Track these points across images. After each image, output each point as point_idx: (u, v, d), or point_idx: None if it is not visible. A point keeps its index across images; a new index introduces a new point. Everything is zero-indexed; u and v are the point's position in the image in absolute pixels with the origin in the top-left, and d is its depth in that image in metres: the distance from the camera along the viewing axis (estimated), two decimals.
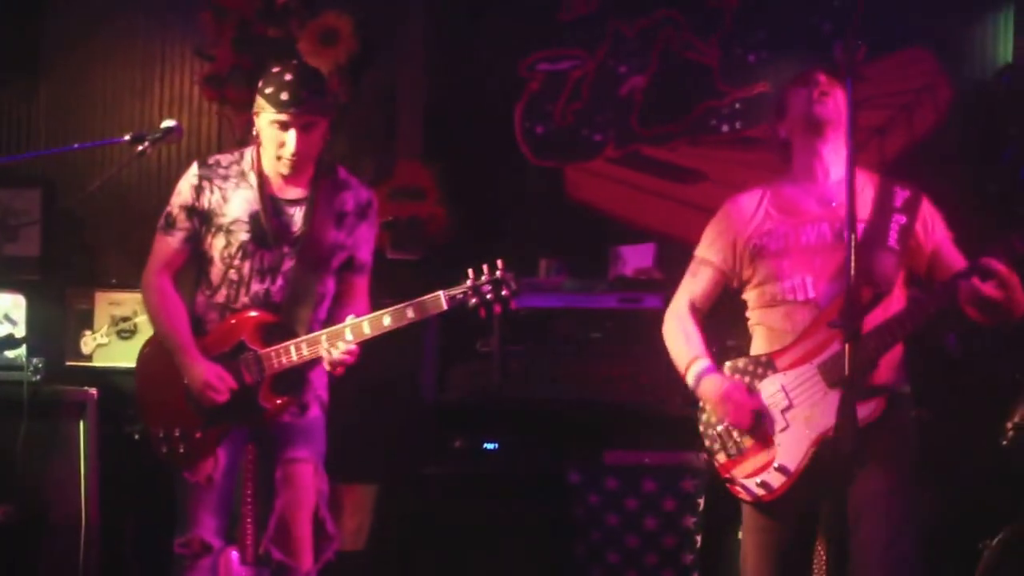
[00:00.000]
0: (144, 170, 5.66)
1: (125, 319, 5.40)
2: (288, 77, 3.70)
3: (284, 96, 3.67)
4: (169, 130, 3.81)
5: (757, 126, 5.39)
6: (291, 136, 3.69)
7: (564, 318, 4.95)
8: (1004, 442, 4.51)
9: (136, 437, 4.73)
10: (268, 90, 3.70)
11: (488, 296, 3.59)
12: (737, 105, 5.47)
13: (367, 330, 3.65)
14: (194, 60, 5.85)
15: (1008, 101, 5.05)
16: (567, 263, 5.22)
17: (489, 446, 4.89)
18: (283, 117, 3.68)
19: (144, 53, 5.89)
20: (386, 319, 3.64)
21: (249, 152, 3.86)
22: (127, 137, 3.85)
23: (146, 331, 5.34)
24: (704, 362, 3.49)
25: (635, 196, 5.55)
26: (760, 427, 3.35)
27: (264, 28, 5.76)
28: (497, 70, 5.69)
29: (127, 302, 5.39)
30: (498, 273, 3.60)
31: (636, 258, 5.14)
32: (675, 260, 4.98)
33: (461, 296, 3.59)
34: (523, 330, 4.95)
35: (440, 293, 3.59)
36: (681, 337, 3.56)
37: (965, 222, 3.49)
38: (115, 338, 5.39)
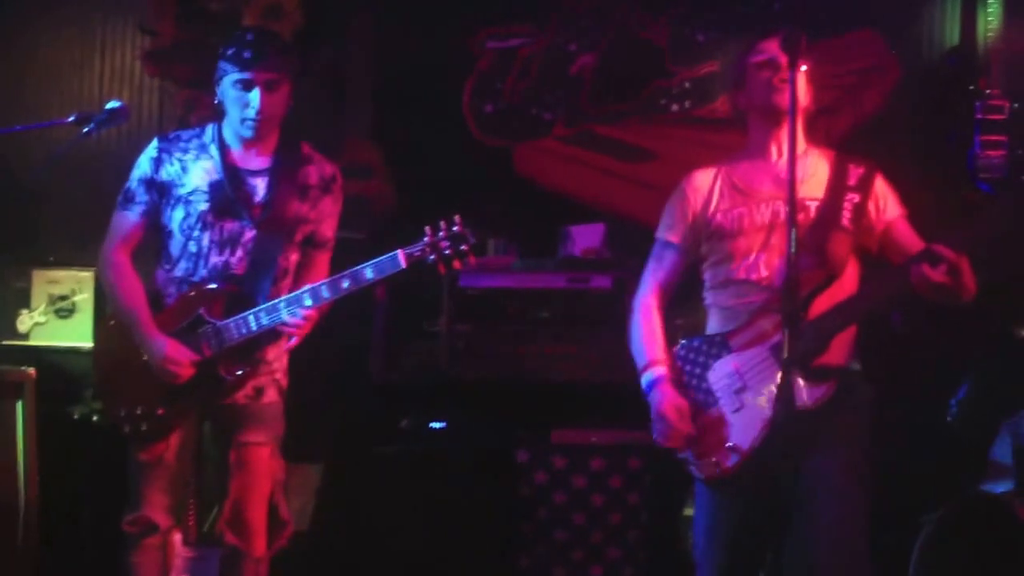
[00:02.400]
0: (82, 147, 5.56)
1: (63, 297, 5.32)
2: (249, 37, 3.70)
3: (247, 54, 3.64)
4: (115, 111, 3.77)
5: (707, 106, 5.41)
6: (255, 95, 3.66)
7: (513, 298, 4.95)
8: (948, 418, 4.57)
9: (76, 417, 4.69)
10: (230, 51, 3.67)
11: (447, 252, 3.57)
12: (687, 85, 5.46)
13: (325, 294, 3.62)
14: (135, 34, 5.75)
15: (954, 83, 5.08)
16: (516, 242, 5.21)
17: (436, 425, 4.87)
18: (246, 75, 3.64)
19: (84, 27, 5.77)
20: (344, 282, 3.61)
21: (210, 127, 3.82)
22: (72, 118, 3.79)
23: (85, 310, 5.31)
24: (659, 370, 3.45)
25: (585, 175, 5.53)
26: (714, 408, 3.35)
27: (208, 2, 5.67)
28: (446, 47, 5.64)
29: (65, 280, 5.32)
30: (456, 228, 3.58)
31: (585, 238, 5.13)
32: (624, 240, 5.04)
33: (419, 253, 3.57)
34: (471, 309, 4.94)
35: (398, 252, 3.57)
36: (642, 334, 3.53)
37: (911, 204, 3.49)
38: (53, 317, 5.31)
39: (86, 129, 3.74)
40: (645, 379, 3.46)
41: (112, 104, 3.77)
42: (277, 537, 3.87)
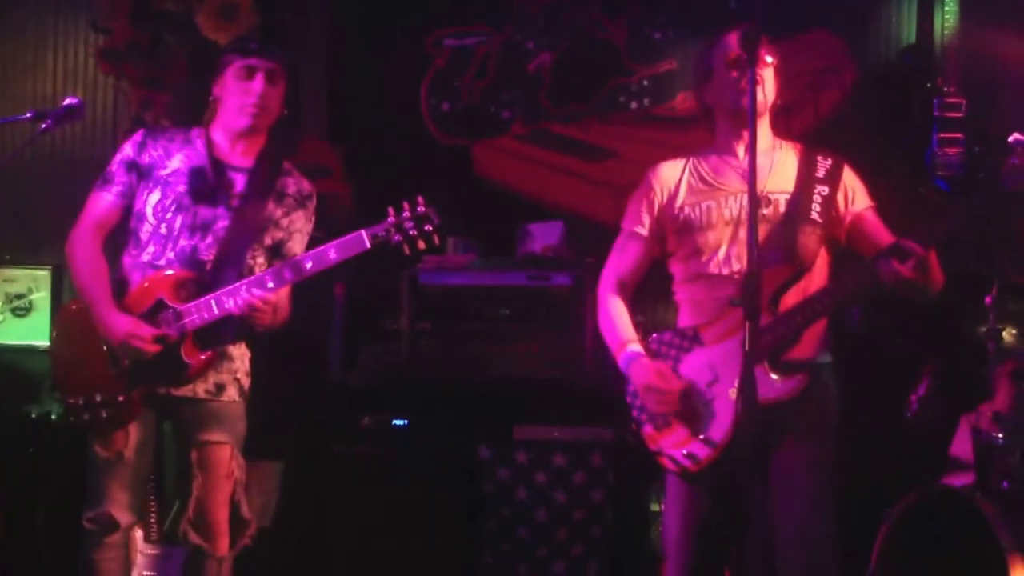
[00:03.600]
0: (38, 146, 5.50)
1: (19, 296, 5.27)
2: (256, 31, 3.90)
3: (253, 44, 3.79)
4: (71, 108, 3.75)
5: (665, 103, 5.43)
6: (258, 81, 3.72)
7: (473, 296, 4.94)
8: (908, 414, 4.60)
9: (33, 416, 4.64)
10: (236, 43, 3.86)
11: (411, 232, 3.56)
12: (645, 83, 5.48)
13: (288, 275, 3.62)
14: (89, 33, 5.70)
15: (911, 82, 5.12)
16: (475, 241, 5.19)
17: (398, 423, 4.85)
18: (251, 61, 3.72)
19: (37, 26, 5.73)
20: (308, 262, 3.61)
21: (196, 129, 3.85)
22: (28, 115, 3.78)
23: (42, 308, 5.25)
24: (634, 347, 3.45)
25: (543, 174, 5.54)
26: (687, 400, 3.36)
27: (162, 1, 5.63)
28: (402, 46, 5.63)
29: (21, 279, 5.27)
30: (420, 209, 3.57)
31: (544, 236, 5.13)
32: (583, 237, 5.04)
33: (384, 234, 3.56)
34: (431, 308, 4.93)
35: (362, 231, 3.56)
36: (610, 320, 3.53)
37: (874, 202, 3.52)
38: (9, 316, 5.25)
39: (43, 125, 3.72)
40: (622, 359, 3.45)
41: (69, 100, 3.74)
42: (240, 536, 3.86)
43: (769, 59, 3.34)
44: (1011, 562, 3.55)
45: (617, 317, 3.52)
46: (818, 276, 3.37)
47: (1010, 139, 3.16)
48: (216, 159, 3.78)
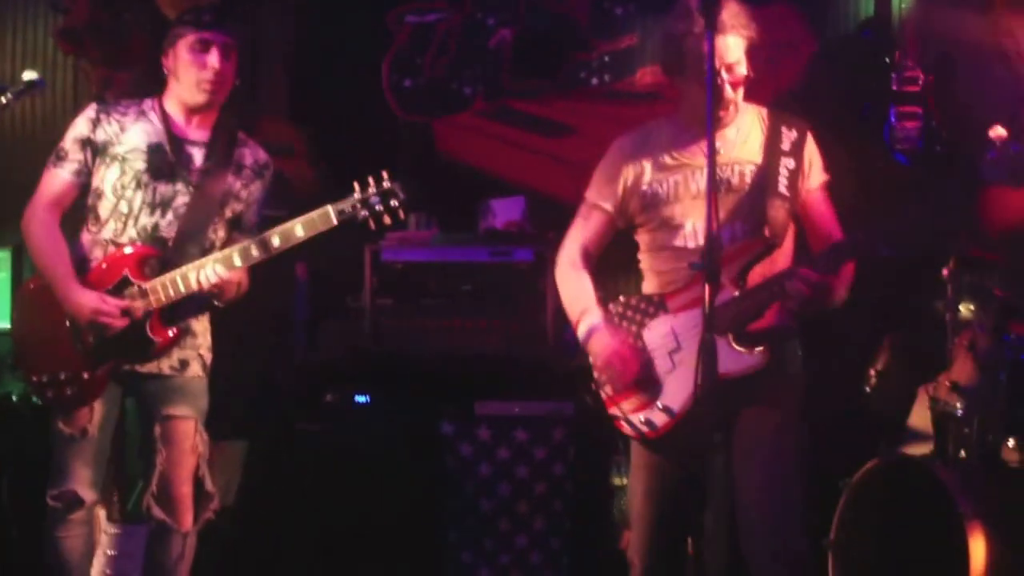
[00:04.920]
0: None
1: None
2: (209, 3, 3.78)
3: (207, 17, 3.70)
4: (32, 83, 3.71)
5: (626, 79, 5.44)
6: (214, 55, 3.69)
7: (435, 272, 4.94)
8: (867, 388, 4.64)
9: None
10: (187, 16, 3.72)
11: (377, 207, 3.58)
12: (606, 59, 5.49)
13: (255, 252, 3.61)
14: (48, 12, 5.65)
15: (870, 56, 5.15)
16: (437, 217, 5.19)
17: (360, 399, 4.85)
18: (205, 35, 3.67)
19: None
20: (275, 239, 3.61)
21: (149, 100, 3.82)
22: None
23: (2, 290, 5.20)
24: (594, 317, 3.45)
25: (505, 150, 5.55)
26: (649, 366, 3.36)
27: None
28: (363, 22, 5.60)
29: None
30: (385, 184, 3.58)
31: (506, 212, 5.13)
32: (545, 213, 5.05)
33: (350, 209, 3.57)
34: (393, 284, 4.92)
35: (328, 207, 3.56)
36: (572, 287, 3.54)
37: (830, 176, 3.53)
38: None
39: (4, 101, 3.67)
40: (581, 329, 3.46)
41: (29, 75, 3.71)
42: (204, 510, 3.88)
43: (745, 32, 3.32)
44: (969, 529, 3.59)
45: (578, 285, 3.53)
46: (785, 255, 3.39)
47: (991, 134, 3.18)
48: (173, 134, 3.76)
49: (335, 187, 4.64)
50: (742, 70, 3.35)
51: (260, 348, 5.06)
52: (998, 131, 3.16)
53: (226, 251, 3.63)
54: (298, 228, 3.58)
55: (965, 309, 4.38)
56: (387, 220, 3.60)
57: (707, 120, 2.99)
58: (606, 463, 4.65)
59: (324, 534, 4.61)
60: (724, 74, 3.30)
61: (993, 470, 3.98)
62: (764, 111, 3.51)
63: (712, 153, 2.96)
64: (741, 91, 3.39)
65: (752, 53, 3.38)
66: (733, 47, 3.32)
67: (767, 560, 3.31)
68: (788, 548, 3.32)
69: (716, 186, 3.08)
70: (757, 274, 3.32)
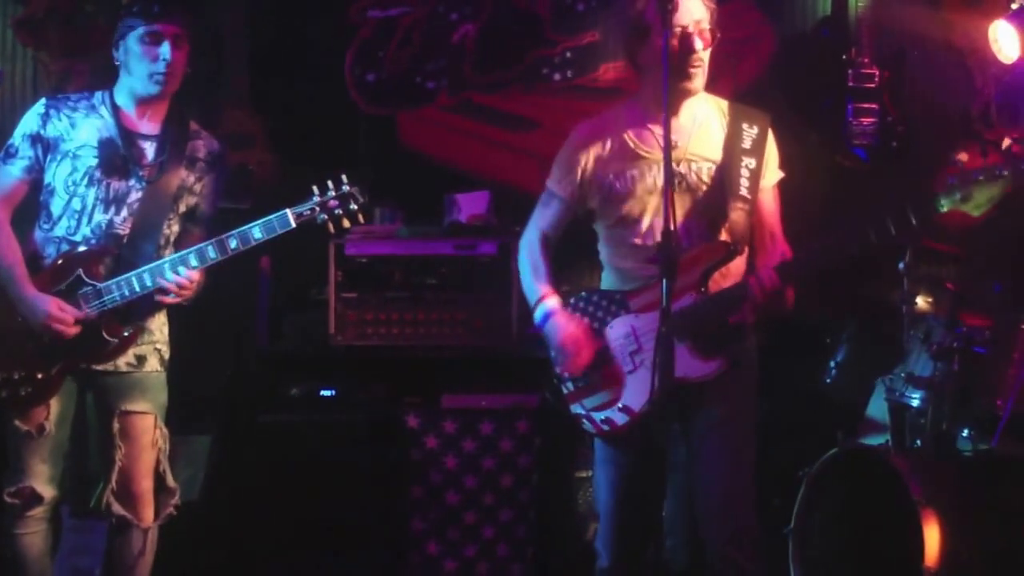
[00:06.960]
0: None
1: None
2: None
3: (155, 8, 3.64)
4: None
5: (588, 75, 5.47)
6: (165, 47, 3.64)
7: (399, 265, 4.94)
8: (828, 379, 4.71)
9: None
10: (135, 8, 3.65)
11: (337, 211, 3.59)
12: (568, 54, 5.51)
13: (212, 254, 3.61)
14: (6, 3, 5.59)
15: (827, 53, 5.21)
16: (401, 210, 5.22)
17: (326, 393, 4.86)
18: (155, 27, 3.63)
19: None
20: (232, 241, 3.61)
21: (99, 92, 3.78)
22: None
23: None
24: (552, 302, 3.48)
25: (469, 143, 5.56)
26: (610, 365, 3.40)
27: None
28: (326, 16, 5.60)
29: None
30: (344, 188, 3.59)
31: (470, 205, 5.15)
32: (509, 207, 5.07)
33: (309, 213, 3.59)
34: (358, 277, 4.93)
35: (287, 211, 3.57)
36: (531, 271, 3.57)
37: (788, 172, 3.57)
38: None
39: None
40: (538, 313, 3.49)
41: None
42: (165, 505, 3.87)
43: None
44: (923, 515, 3.66)
45: (535, 269, 3.57)
46: (744, 262, 3.42)
47: (956, 155, 3.21)
48: (124, 128, 3.73)
49: (298, 180, 4.68)
50: (708, 26, 3.32)
51: (223, 342, 5.06)
52: (961, 155, 3.20)
53: (182, 252, 3.63)
54: (256, 231, 3.59)
55: (922, 301, 4.46)
56: (346, 223, 3.63)
57: (664, 128, 3.03)
58: (572, 455, 4.69)
59: (289, 528, 4.61)
60: (692, 28, 3.29)
61: (947, 458, 4.06)
62: (725, 104, 3.52)
63: (667, 148, 3.02)
64: (709, 53, 3.35)
65: (712, 38, 3.35)
66: (697, 7, 3.31)
67: (723, 542, 3.36)
68: (741, 527, 3.37)
69: (672, 180, 3.05)
70: (719, 280, 3.36)
